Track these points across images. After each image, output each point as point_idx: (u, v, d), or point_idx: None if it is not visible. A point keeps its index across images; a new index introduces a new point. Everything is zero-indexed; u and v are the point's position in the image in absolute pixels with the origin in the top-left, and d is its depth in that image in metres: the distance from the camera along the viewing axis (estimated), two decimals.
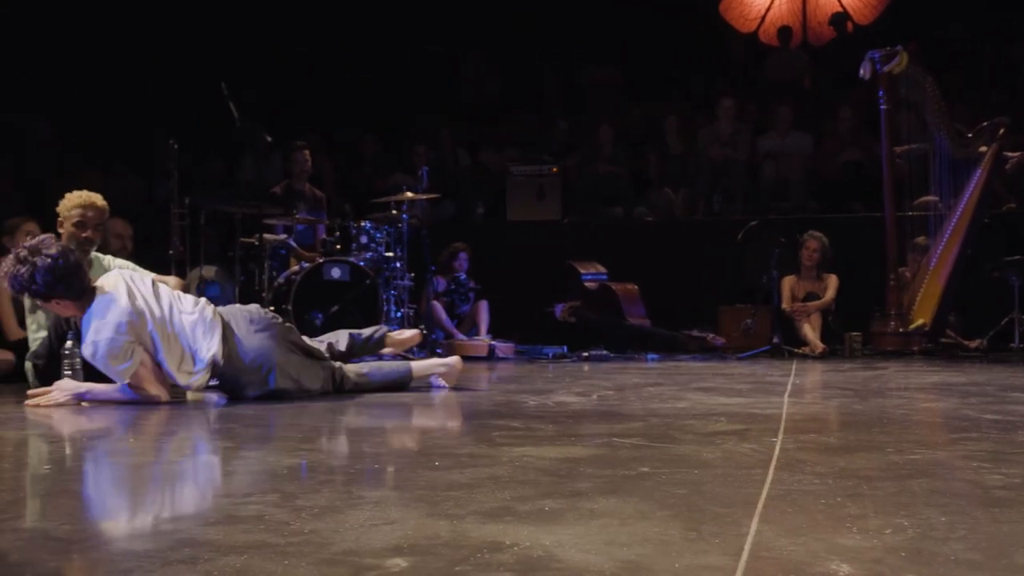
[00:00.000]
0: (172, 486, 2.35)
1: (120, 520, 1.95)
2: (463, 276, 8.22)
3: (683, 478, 2.26)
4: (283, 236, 7.33)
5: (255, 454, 2.72)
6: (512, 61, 11.22)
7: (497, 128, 10.53)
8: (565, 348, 7.45)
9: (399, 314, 7.33)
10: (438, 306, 8.00)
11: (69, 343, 4.29)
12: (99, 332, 4.07)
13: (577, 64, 11.16)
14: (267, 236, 6.94)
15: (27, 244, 4.16)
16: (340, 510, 1.93)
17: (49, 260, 4.08)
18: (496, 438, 2.97)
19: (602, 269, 8.19)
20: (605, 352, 7.31)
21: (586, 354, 7.20)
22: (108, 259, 5.36)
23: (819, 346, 7.35)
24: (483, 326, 8.10)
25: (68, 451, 2.88)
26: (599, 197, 9.41)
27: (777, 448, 2.71)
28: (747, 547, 1.64)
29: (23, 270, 4.10)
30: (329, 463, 2.58)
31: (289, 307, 6.55)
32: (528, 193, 9.06)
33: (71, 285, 4.13)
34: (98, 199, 5.10)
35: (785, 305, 7.64)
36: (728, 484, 2.21)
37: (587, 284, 8.08)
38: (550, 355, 7.25)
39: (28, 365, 4.92)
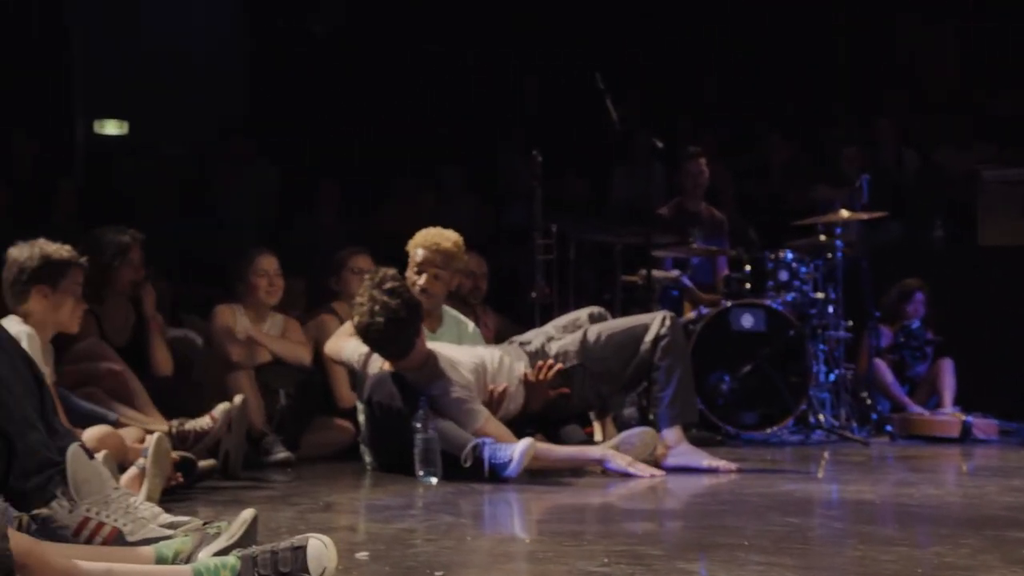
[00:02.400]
0: None
1: None
2: (916, 324, 7.91)
3: None
4: (675, 272, 7.40)
5: None
6: (976, 22, 10.68)
7: (958, 115, 10.06)
8: None
9: (832, 376, 7.16)
10: (882, 366, 7.74)
11: (420, 412, 4.55)
12: None
13: None
14: (655, 273, 7.03)
15: (385, 287, 4.71)
16: None
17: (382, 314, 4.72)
18: None
19: None
20: None
21: None
22: (470, 326, 5.67)
23: None
24: (948, 394, 7.73)
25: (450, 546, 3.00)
26: None
27: None
28: None
29: (362, 321, 4.75)
30: None
31: None
32: (1011, 207, 8.56)
33: (383, 348, 4.82)
34: (445, 240, 5.38)
35: None
36: None
37: None
38: None
39: (362, 447, 5.27)
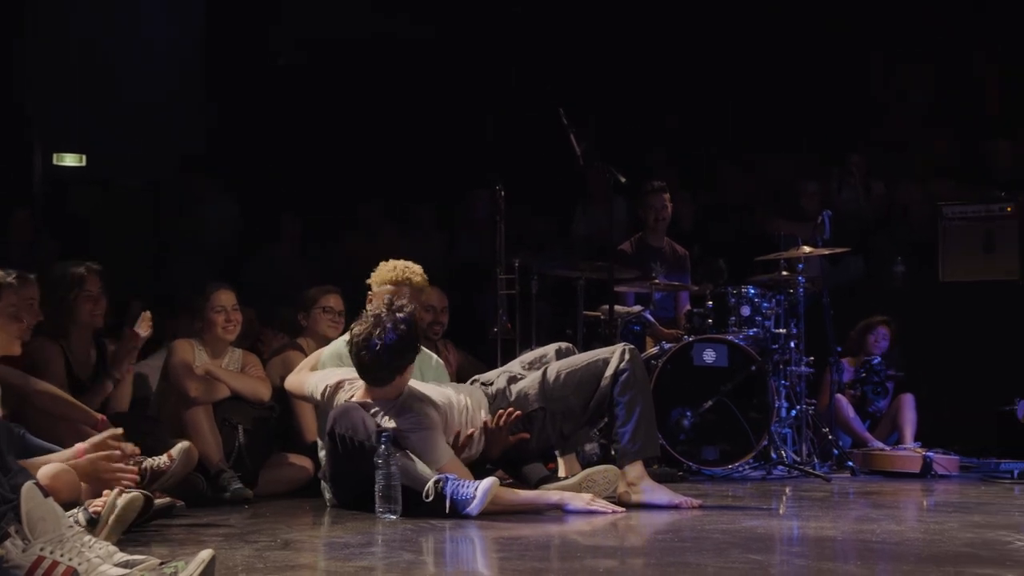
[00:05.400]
0: None
1: None
2: (877, 360, 7.96)
3: None
4: (637, 308, 7.41)
5: None
6: (944, 54, 10.74)
7: (918, 150, 10.15)
8: None
9: (794, 412, 7.19)
10: (844, 401, 7.78)
11: (382, 448, 4.52)
12: None
13: None
14: (617, 308, 7.03)
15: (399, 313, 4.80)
16: None
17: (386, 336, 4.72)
18: None
19: None
20: None
21: None
22: (433, 359, 5.66)
23: None
24: (908, 429, 7.79)
25: None
26: None
27: None
28: None
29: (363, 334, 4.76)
30: None
31: None
32: (970, 243, 8.63)
33: (373, 367, 4.79)
34: (415, 274, 5.42)
35: None
36: None
37: None
38: (1015, 473, 6.84)
39: (322, 483, 5.23)
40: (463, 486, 4.53)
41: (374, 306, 5.03)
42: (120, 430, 4.38)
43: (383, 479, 4.51)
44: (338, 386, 5.04)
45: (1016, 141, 9.79)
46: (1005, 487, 6.37)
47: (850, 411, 7.82)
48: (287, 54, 10.92)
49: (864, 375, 8.00)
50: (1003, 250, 8.59)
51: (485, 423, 5.05)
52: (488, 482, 4.55)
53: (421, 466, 4.64)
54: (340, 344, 5.33)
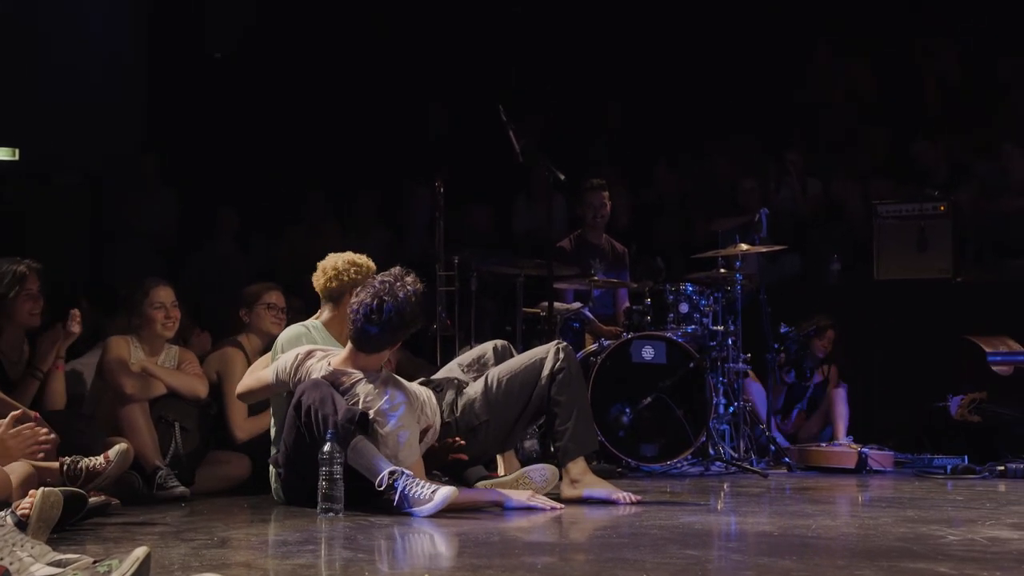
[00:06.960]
0: None
1: None
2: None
3: None
4: (576, 305, 7.43)
5: None
6: (883, 50, 10.85)
7: (855, 149, 10.24)
8: (966, 459, 7.08)
9: (732, 408, 7.24)
10: (752, 384, 7.79)
11: (327, 447, 4.48)
12: None
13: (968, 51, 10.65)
14: (556, 305, 7.04)
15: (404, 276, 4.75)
16: None
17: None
18: None
19: (1018, 347, 7.75)
20: None
21: (1001, 467, 6.82)
22: None
23: None
24: (841, 424, 7.90)
25: None
26: (1006, 246, 8.95)
27: None
28: None
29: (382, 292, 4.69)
30: None
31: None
32: (904, 241, 8.72)
33: (378, 330, 4.73)
34: (370, 262, 5.33)
35: None
36: None
37: (997, 368, 7.65)
38: (947, 469, 6.92)
39: (272, 471, 5.17)
40: (419, 485, 4.50)
41: (360, 288, 4.93)
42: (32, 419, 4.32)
43: (326, 477, 4.47)
44: (309, 354, 4.95)
45: (949, 141, 9.92)
46: (938, 482, 6.44)
47: (754, 389, 7.84)
48: (223, 48, 10.83)
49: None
50: (936, 248, 8.69)
51: (434, 444, 5.04)
52: (448, 491, 4.51)
53: (378, 454, 4.60)
54: (297, 327, 5.29)
